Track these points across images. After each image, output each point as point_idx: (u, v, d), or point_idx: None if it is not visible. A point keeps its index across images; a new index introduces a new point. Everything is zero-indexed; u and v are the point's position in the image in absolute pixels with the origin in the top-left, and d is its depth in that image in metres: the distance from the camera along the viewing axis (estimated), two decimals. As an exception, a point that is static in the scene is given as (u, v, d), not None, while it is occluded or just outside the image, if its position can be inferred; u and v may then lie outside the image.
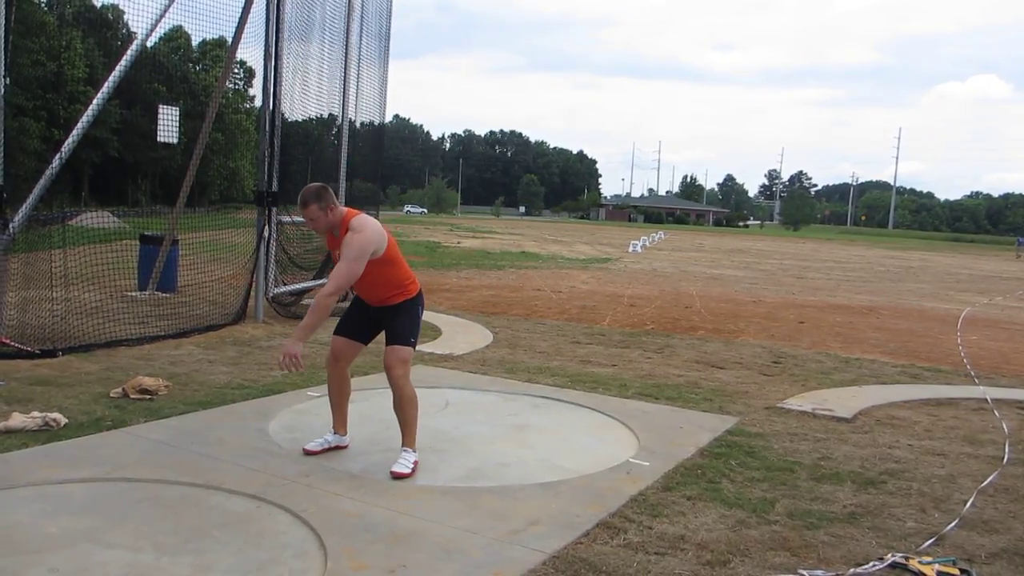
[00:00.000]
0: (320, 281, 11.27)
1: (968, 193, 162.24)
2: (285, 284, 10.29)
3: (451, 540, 3.72)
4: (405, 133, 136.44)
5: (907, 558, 3.71)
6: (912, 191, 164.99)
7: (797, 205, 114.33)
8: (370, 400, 6.24)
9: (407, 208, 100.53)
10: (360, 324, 4.89)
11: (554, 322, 11.20)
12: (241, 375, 6.94)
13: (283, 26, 9.60)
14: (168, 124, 10.16)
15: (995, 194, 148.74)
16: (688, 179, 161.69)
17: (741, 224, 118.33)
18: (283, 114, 9.92)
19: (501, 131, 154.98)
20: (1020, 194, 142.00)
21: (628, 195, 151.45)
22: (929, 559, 3.71)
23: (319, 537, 3.67)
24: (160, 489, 4.19)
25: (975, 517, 4.37)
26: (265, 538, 3.68)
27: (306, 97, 10.67)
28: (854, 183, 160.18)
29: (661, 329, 11.07)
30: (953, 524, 4.22)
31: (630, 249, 34.46)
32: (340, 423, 5.03)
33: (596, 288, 16.67)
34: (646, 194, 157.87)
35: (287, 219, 10.16)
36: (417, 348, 8.72)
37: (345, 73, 11.37)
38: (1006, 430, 6.29)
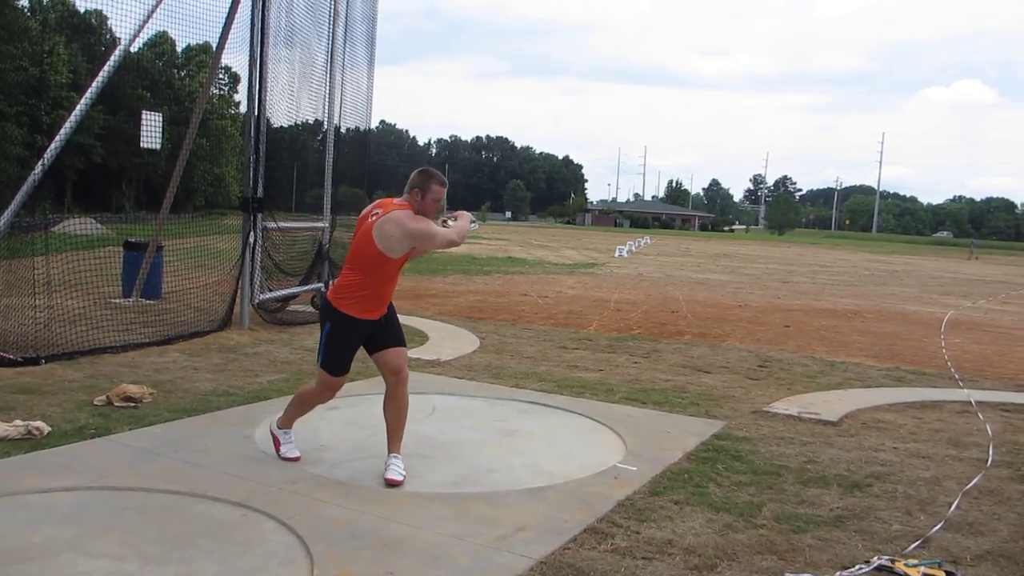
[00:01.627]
0: (306, 287, 11.23)
1: (951, 197, 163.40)
2: (271, 290, 10.24)
3: (439, 547, 3.71)
4: (391, 139, 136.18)
5: (893, 561, 3.72)
6: (896, 195, 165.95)
7: (782, 210, 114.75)
8: (357, 407, 6.23)
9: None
10: (353, 353, 4.74)
11: (541, 327, 11.20)
12: (227, 382, 6.90)
13: (268, 31, 9.57)
14: (151, 130, 10.10)
15: (978, 198, 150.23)
16: (674, 184, 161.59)
17: (726, 229, 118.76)
18: (268, 120, 9.89)
19: (487, 136, 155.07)
20: (1002, 198, 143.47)
21: (614, 200, 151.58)
22: (915, 561, 3.73)
23: (305, 545, 3.66)
24: (144, 498, 4.16)
25: (960, 519, 4.39)
26: (251, 546, 3.66)
27: (292, 103, 10.65)
28: (838, 188, 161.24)
29: (648, 334, 11.09)
30: (938, 526, 4.24)
31: (616, 254, 34.50)
32: (290, 423, 4.98)
33: (582, 293, 16.68)
34: (632, 199, 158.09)
35: (272, 225, 10.12)
36: (404, 354, 8.67)
37: (330, 79, 11.35)
38: (990, 432, 6.34)
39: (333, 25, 11.29)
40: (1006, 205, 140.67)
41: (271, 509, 4.04)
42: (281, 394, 6.50)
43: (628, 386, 7.50)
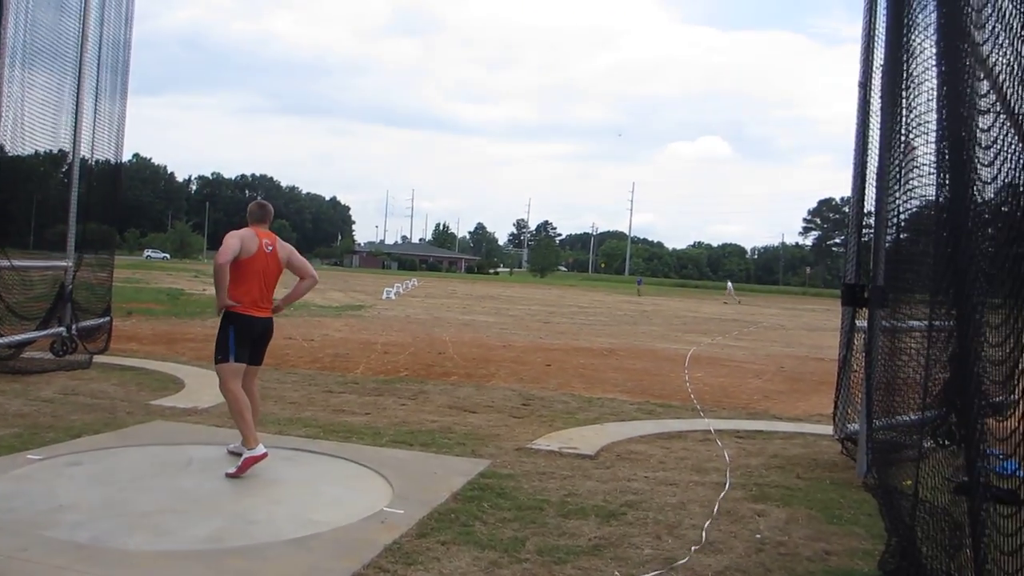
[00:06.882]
0: (45, 332, 10.25)
1: (692, 243, 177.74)
2: (3, 336, 9.27)
3: (193, 607, 3.49)
4: (146, 173, 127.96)
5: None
6: (645, 240, 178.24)
7: (543, 253, 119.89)
8: (102, 462, 5.76)
9: (147, 253, 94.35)
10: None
11: (306, 371, 10.92)
12: (-56, 439, 6.13)
13: (4, 50, 8.76)
14: None
15: (715, 244, 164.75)
16: (441, 227, 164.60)
17: (492, 271, 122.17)
18: (2, 146, 9.01)
19: (252, 175, 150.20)
20: (735, 244, 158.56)
21: (382, 242, 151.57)
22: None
23: (39, 617, 3.31)
24: None
25: (702, 540, 4.76)
26: (-28, 624, 3.27)
27: (31, 129, 9.77)
28: (594, 233, 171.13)
29: (415, 375, 11.13)
30: (684, 548, 4.57)
31: (384, 296, 34.43)
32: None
33: (349, 336, 16.48)
34: (400, 241, 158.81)
35: (5, 263, 9.18)
36: (155, 403, 8.20)
37: (77, 106, 10.57)
38: (727, 458, 6.93)
39: (81, 49, 10.55)
40: (739, 251, 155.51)
41: (-2, 580, 3.63)
42: (12, 450, 5.86)
43: (395, 428, 7.48)
